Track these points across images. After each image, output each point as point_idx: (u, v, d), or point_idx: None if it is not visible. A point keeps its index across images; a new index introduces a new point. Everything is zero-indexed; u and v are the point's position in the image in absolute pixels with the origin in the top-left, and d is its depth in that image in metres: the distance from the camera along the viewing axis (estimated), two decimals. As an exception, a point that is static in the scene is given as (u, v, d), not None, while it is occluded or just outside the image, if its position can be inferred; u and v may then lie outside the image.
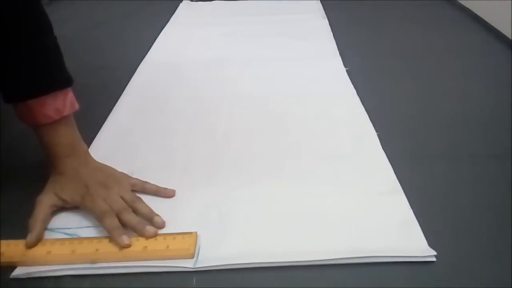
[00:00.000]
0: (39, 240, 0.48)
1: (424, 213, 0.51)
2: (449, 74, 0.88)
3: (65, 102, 0.53)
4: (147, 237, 0.48)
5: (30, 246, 0.47)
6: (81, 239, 0.48)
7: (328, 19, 1.17)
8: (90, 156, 0.57)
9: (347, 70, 0.88)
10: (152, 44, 1.03)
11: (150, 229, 0.48)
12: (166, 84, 0.85)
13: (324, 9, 1.26)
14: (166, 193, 0.55)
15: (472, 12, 1.18)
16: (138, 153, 0.64)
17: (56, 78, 0.53)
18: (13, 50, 0.50)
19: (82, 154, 0.56)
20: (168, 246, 0.47)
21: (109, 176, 0.54)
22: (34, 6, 0.51)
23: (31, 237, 0.47)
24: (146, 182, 0.56)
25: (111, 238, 0.48)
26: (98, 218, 0.50)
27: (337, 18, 1.18)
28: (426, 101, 0.78)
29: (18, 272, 0.45)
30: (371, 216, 0.51)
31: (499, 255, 0.47)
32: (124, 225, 0.49)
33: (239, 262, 0.45)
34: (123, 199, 0.52)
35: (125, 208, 0.50)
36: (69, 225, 0.51)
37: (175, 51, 1.01)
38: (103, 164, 0.57)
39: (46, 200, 0.51)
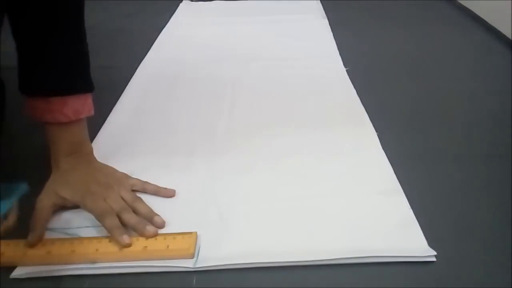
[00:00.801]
0: (40, 239, 0.48)
1: (424, 213, 0.51)
2: (449, 74, 0.88)
3: (84, 106, 0.55)
4: (147, 236, 0.48)
5: (31, 246, 0.47)
6: (81, 239, 0.48)
7: (328, 19, 1.17)
8: (93, 156, 0.57)
9: (347, 70, 0.88)
10: (152, 44, 1.03)
11: (150, 228, 0.48)
12: (166, 83, 0.85)
13: (324, 9, 1.26)
14: (166, 193, 0.55)
15: (472, 12, 1.18)
16: (138, 153, 0.64)
17: (82, 82, 0.56)
18: (52, 49, 0.53)
19: (85, 154, 0.56)
20: (168, 246, 0.47)
21: (109, 176, 0.55)
22: (79, 14, 0.55)
23: (32, 236, 0.47)
24: (146, 182, 0.56)
25: (111, 238, 0.48)
26: (99, 218, 0.50)
27: (337, 18, 1.18)
28: (426, 101, 0.78)
29: (18, 272, 0.45)
30: (371, 216, 0.51)
31: (499, 255, 0.47)
32: (124, 224, 0.49)
33: (239, 262, 0.45)
34: (123, 199, 0.52)
35: (125, 208, 0.50)
36: (70, 225, 0.51)
37: (175, 51, 1.01)
38: (104, 164, 0.57)
39: (46, 199, 0.51)
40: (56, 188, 0.52)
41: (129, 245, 0.47)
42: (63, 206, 0.52)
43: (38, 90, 0.53)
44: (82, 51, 0.56)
